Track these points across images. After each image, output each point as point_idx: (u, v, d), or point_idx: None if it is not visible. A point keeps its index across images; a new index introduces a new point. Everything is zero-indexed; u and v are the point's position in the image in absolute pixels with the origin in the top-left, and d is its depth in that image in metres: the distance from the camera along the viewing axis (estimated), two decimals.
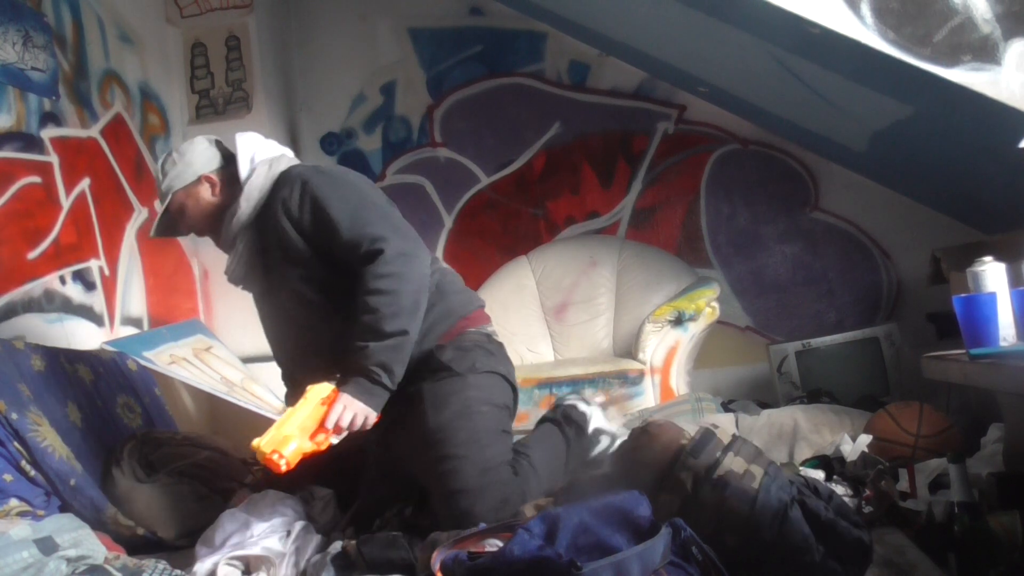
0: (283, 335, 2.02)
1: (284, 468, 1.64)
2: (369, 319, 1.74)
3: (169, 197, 1.98)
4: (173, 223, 2.04)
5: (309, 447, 1.69)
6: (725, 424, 2.69)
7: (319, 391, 1.73)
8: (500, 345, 2.01)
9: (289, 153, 2.05)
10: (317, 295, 1.88)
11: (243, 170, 1.93)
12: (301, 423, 1.68)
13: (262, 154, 1.97)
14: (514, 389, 2.00)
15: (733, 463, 1.50)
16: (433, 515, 1.83)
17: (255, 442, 1.64)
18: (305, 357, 1.97)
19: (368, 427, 1.75)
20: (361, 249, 1.78)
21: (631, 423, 2.43)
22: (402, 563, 1.57)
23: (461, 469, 1.78)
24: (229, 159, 2.01)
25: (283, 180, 1.91)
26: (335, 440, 1.73)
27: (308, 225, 1.84)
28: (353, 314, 1.78)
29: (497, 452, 1.85)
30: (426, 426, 1.84)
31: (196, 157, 1.99)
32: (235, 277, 2.00)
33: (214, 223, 1.98)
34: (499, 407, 1.92)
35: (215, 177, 1.98)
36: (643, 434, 1.69)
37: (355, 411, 1.72)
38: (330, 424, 1.70)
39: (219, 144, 2.06)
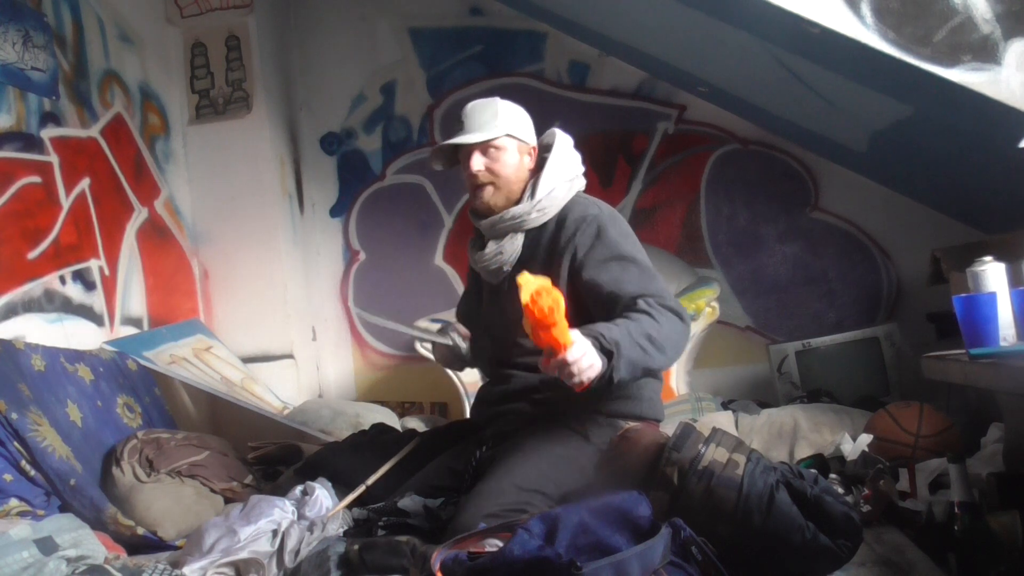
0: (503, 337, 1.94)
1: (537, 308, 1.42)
2: (644, 320, 1.63)
3: (502, 137, 1.94)
4: (466, 155, 1.93)
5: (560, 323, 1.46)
6: (725, 423, 2.70)
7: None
8: None
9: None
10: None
11: (553, 178, 1.97)
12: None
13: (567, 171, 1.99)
14: None
15: (715, 453, 1.53)
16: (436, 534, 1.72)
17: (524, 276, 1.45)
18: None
19: (581, 380, 1.50)
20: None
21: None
22: (404, 570, 1.57)
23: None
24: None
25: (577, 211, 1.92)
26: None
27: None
28: None
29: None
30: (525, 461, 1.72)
31: (530, 130, 2.03)
32: (496, 268, 1.93)
33: (510, 192, 1.95)
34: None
35: (535, 155, 2.00)
36: (623, 440, 1.71)
37: (587, 354, 1.50)
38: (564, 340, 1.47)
39: None
